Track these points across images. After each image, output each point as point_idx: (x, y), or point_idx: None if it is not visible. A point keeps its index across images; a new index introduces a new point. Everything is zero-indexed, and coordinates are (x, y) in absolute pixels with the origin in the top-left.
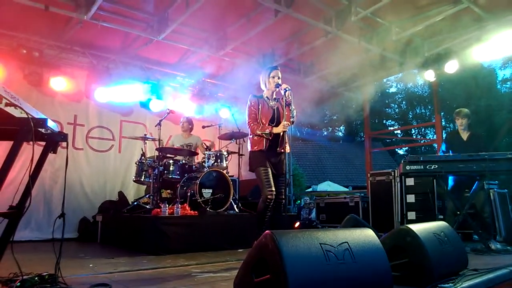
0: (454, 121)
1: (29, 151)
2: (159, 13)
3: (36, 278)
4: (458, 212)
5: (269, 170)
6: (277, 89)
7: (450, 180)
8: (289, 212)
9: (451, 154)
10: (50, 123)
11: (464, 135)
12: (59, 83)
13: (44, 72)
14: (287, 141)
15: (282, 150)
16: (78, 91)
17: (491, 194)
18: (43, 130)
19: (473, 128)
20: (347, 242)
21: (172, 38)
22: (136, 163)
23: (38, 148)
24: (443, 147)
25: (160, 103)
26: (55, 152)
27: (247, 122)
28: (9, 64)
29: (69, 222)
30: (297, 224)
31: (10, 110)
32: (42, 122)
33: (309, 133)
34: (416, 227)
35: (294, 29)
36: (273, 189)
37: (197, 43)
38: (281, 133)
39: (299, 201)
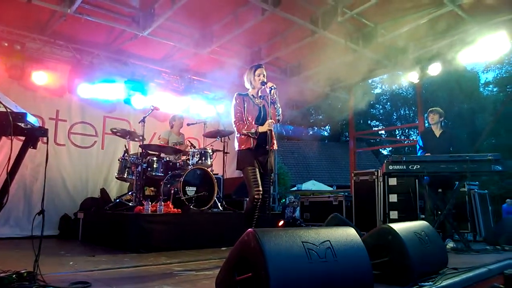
0: (427, 120)
1: (9, 147)
2: (145, 8)
3: (14, 275)
4: (439, 212)
5: (257, 169)
6: (263, 87)
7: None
8: (274, 211)
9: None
10: (30, 118)
11: (437, 132)
12: (41, 77)
13: (26, 66)
14: (274, 138)
15: (270, 148)
16: (61, 86)
17: (471, 194)
18: (22, 125)
19: (445, 127)
20: (329, 241)
21: (157, 34)
22: (119, 160)
23: (18, 144)
24: (420, 142)
25: (144, 99)
26: (34, 147)
27: (233, 121)
28: None
29: (49, 219)
30: (281, 222)
31: None
32: (21, 117)
33: (295, 132)
34: (398, 226)
35: (281, 28)
36: (260, 189)
37: (183, 39)
38: (267, 131)
39: (283, 200)
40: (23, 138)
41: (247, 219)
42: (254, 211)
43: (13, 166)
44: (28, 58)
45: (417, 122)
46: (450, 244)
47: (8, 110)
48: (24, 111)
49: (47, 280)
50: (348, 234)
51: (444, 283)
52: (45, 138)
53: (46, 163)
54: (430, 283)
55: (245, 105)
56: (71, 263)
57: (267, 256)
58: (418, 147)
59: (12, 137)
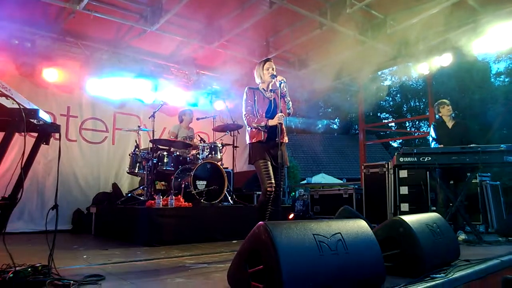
0: (438, 113)
1: (22, 143)
2: (153, 3)
3: (29, 269)
4: (451, 204)
5: (269, 162)
6: (273, 80)
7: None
8: (284, 204)
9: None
10: (42, 114)
11: (449, 123)
12: (51, 74)
13: (36, 63)
14: (284, 131)
15: (281, 141)
16: (71, 82)
17: (483, 186)
18: (35, 121)
19: (458, 117)
20: (340, 233)
21: (165, 29)
22: (130, 155)
23: (31, 140)
24: (432, 133)
25: (153, 94)
26: (47, 143)
27: (243, 114)
28: (1, 55)
29: (63, 214)
30: (291, 215)
31: (1, 100)
32: (34, 113)
33: (304, 126)
34: (409, 218)
35: (289, 21)
36: (273, 181)
37: (191, 34)
38: (278, 125)
39: (293, 193)
40: (35, 134)
41: (260, 212)
42: (267, 204)
43: (27, 162)
44: (38, 56)
45: (428, 113)
46: (462, 236)
47: (21, 107)
48: (37, 108)
49: (62, 274)
50: (359, 226)
51: (456, 274)
52: (57, 134)
53: (59, 159)
54: (442, 275)
55: (256, 98)
56: (84, 256)
57: (279, 248)
58: (431, 138)
59: (25, 133)
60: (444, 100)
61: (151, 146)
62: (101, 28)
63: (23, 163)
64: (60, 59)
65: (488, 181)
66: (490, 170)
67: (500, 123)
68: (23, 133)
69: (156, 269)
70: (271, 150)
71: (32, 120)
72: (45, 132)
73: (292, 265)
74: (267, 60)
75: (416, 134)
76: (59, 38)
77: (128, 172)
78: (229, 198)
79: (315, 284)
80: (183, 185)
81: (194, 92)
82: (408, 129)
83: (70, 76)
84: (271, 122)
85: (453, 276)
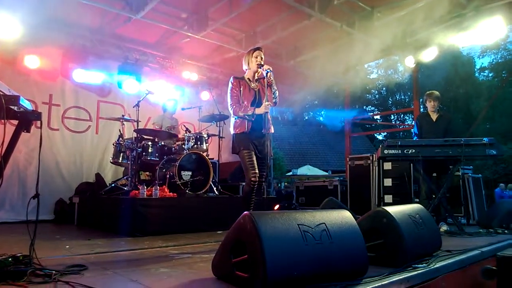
0: (425, 103)
1: (2, 131)
2: None
3: (10, 259)
4: (434, 196)
5: (253, 153)
6: (259, 70)
7: None
8: (269, 195)
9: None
10: (23, 101)
11: (434, 116)
12: (33, 61)
13: (18, 50)
14: (270, 122)
15: (267, 132)
16: (54, 70)
17: (465, 178)
18: (15, 108)
19: (442, 110)
20: (324, 223)
21: (151, 17)
22: (113, 144)
23: (11, 128)
24: (415, 129)
25: (138, 84)
26: (28, 131)
27: (229, 104)
28: None
29: (45, 204)
30: (276, 206)
31: None
32: (14, 100)
33: (290, 117)
34: (392, 209)
35: (276, 12)
36: (257, 171)
37: (177, 23)
38: (264, 114)
39: (279, 184)
40: (16, 122)
41: (244, 203)
42: (251, 194)
43: (7, 150)
44: (20, 42)
45: (412, 106)
46: (444, 227)
47: (1, 93)
48: (17, 94)
49: (43, 264)
50: (343, 216)
51: (438, 265)
52: (38, 122)
53: (40, 147)
54: (424, 264)
55: (241, 89)
56: (67, 246)
57: (263, 238)
58: (413, 133)
59: (5, 120)
60: (432, 92)
61: (136, 135)
62: (85, 14)
63: (2, 152)
64: (43, 46)
65: (470, 174)
66: (473, 163)
67: (483, 117)
68: (3, 121)
69: (139, 259)
70: (255, 141)
71: (12, 107)
72: (26, 120)
73: (276, 254)
74: (257, 48)
75: (401, 127)
76: (41, 24)
77: (111, 162)
78: (215, 188)
79: (299, 273)
80: (168, 176)
81: (180, 82)
82: (393, 122)
83: (52, 63)
84: (258, 111)
85: (435, 266)
